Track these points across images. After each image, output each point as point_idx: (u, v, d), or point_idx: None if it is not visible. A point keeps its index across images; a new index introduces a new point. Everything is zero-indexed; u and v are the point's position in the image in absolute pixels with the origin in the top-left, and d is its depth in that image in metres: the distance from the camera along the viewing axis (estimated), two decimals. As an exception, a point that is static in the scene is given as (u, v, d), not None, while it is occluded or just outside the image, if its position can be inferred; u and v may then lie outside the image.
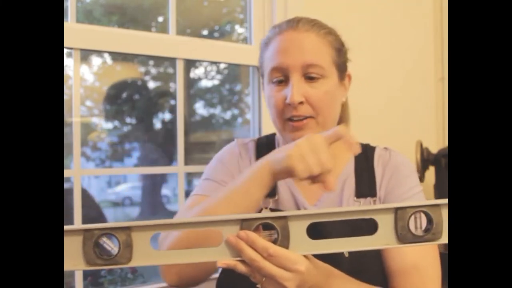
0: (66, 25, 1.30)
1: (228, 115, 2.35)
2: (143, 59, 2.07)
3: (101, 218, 2.47)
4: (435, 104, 2.10)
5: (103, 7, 1.78)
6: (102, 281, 2.07)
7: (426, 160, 1.89)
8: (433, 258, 0.92)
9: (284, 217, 0.71)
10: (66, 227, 0.70)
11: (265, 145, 1.04)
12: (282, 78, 0.94)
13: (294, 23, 0.95)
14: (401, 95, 1.96)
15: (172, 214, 2.85)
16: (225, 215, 0.76)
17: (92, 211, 2.31)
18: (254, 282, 0.83)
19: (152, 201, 3.21)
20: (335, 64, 0.95)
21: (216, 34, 1.98)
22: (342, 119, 1.05)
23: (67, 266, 0.70)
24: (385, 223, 0.71)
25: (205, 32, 1.97)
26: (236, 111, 2.28)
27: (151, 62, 2.17)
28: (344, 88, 1.00)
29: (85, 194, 2.11)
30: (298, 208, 0.98)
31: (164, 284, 1.48)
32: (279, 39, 0.95)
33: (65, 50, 1.34)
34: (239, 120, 2.21)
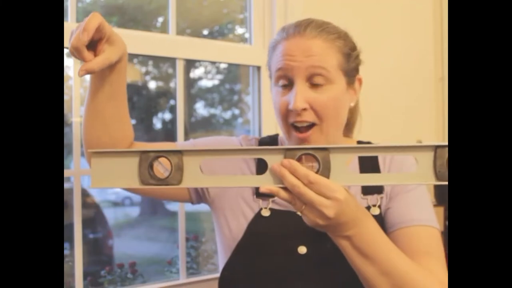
0: (66, 25, 1.29)
1: (228, 115, 2.35)
2: (143, 59, 2.07)
3: (102, 218, 2.47)
4: (435, 104, 2.10)
5: (103, 7, 1.78)
6: (102, 281, 2.07)
7: (426, 160, 1.89)
8: (441, 246, 0.92)
9: (326, 149, 0.75)
10: (124, 149, 0.78)
11: (267, 144, 1.05)
12: (286, 82, 0.93)
13: (302, 28, 0.93)
14: (401, 95, 1.96)
15: (172, 213, 2.85)
16: (270, 146, 0.81)
17: (92, 211, 2.32)
18: (255, 282, 0.83)
19: (152, 201, 3.21)
20: (343, 70, 0.94)
21: (216, 34, 1.99)
22: (350, 123, 1.06)
23: (123, 184, 0.77)
24: (424, 161, 0.74)
25: (205, 32, 1.97)
26: (236, 111, 2.28)
27: (151, 62, 2.17)
28: (354, 92, 0.99)
29: (85, 194, 2.11)
30: None
31: (164, 284, 1.49)
32: (285, 43, 0.94)
33: (65, 50, 1.34)
34: (239, 120, 2.21)
